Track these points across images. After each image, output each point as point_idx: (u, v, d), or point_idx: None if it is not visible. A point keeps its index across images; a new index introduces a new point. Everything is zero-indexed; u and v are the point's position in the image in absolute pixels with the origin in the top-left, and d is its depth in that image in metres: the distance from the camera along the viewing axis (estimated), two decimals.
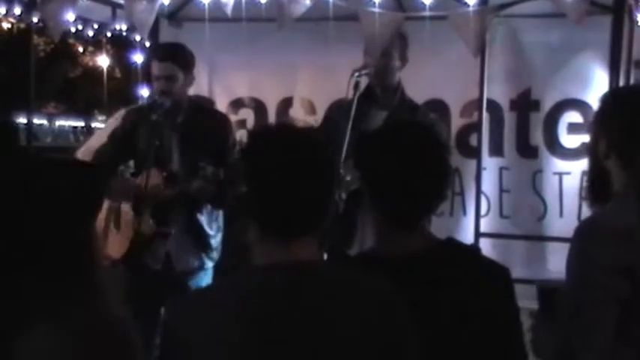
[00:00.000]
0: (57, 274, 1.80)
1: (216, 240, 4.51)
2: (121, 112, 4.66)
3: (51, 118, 31.66)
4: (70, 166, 2.00)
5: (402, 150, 2.11)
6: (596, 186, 2.32)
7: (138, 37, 5.14)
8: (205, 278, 4.47)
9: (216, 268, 4.63)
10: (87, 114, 29.51)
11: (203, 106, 4.59)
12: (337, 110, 4.47)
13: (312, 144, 1.88)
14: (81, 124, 31.60)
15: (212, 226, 4.48)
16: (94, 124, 27.85)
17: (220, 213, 4.50)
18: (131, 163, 4.43)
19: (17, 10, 5.27)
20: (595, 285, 2.10)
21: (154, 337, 4.31)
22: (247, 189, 1.84)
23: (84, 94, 28.00)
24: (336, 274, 1.88)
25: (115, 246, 4.30)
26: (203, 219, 4.41)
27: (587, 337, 2.12)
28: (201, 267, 4.45)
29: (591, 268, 2.11)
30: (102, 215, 4.16)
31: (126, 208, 4.34)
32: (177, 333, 1.77)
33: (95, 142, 4.67)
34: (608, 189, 2.26)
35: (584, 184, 2.40)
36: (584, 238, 2.19)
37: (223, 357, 1.71)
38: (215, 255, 4.50)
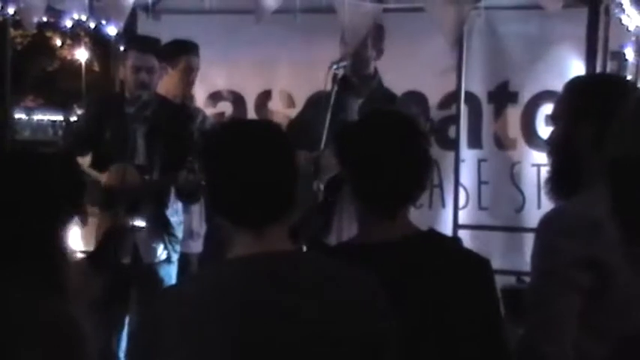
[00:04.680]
0: (24, 268, 1.80)
1: (179, 232, 4.53)
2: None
3: (29, 111, 31.47)
4: (52, 160, 1.99)
5: (382, 138, 2.12)
6: (563, 178, 2.31)
7: (114, 31, 5.11)
8: (172, 270, 4.50)
9: (200, 261, 4.65)
10: (66, 108, 29.35)
11: (167, 99, 4.59)
12: (316, 102, 4.47)
13: (270, 132, 1.89)
14: (60, 117, 31.43)
15: (174, 218, 4.50)
16: (72, 118, 27.74)
17: (180, 206, 4.54)
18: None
19: None
20: (558, 277, 2.09)
21: (122, 331, 4.35)
22: (208, 183, 1.86)
23: (62, 87, 27.86)
24: (311, 263, 1.88)
25: (83, 241, 4.29)
26: (168, 212, 4.43)
27: (549, 329, 2.09)
28: (168, 259, 4.47)
29: (554, 260, 2.10)
30: None
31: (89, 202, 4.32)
32: (153, 329, 1.76)
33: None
34: (573, 181, 2.25)
35: (546, 175, 2.36)
36: (547, 230, 2.17)
37: (199, 351, 1.70)
38: (179, 247, 4.54)
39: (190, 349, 1.69)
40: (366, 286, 1.85)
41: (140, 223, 4.28)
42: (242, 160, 1.80)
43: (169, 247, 4.46)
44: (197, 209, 4.88)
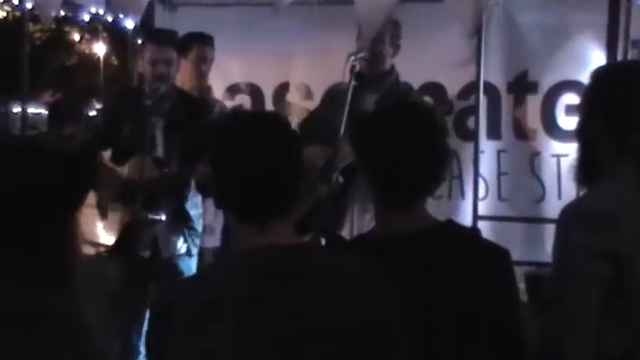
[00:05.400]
0: (31, 260, 1.79)
1: (199, 225, 4.52)
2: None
3: (48, 106, 31.64)
4: (59, 153, 1.97)
5: (399, 128, 2.10)
6: (586, 167, 2.29)
7: (132, 24, 5.12)
8: (192, 264, 4.50)
9: (216, 255, 4.65)
10: (84, 102, 29.48)
11: (185, 92, 4.59)
12: (333, 95, 4.46)
13: (274, 126, 1.88)
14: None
15: (194, 212, 4.50)
16: (91, 113, 27.86)
17: (200, 199, 4.53)
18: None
19: None
20: (577, 269, 2.08)
21: (142, 324, 4.37)
22: (213, 177, 1.85)
23: (81, 82, 27.98)
24: (315, 256, 1.87)
25: (104, 235, 4.30)
26: (188, 205, 4.42)
27: (570, 321, 2.09)
28: (188, 252, 4.47)
29: (573, 253, 2.09)
30: (88, 204, 4.16)
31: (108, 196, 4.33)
32: (165, 319, 1.76)
33: None
34: (597, 170, 2.23)
35: (573, 163, 2.34)
36: (566, 223, 2.16)
37: (205, 343, 1.69)
38: (198, 241, 4.53)
39: (196, 342, 1.69)
40: (371, 279, 1.84)
41: (159, 216, 4.29)
42: (245, 153, 1.79)
43: (189, 240, 4.46)
44: (211, 202, 4.86)
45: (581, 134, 2.32)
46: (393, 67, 4.47)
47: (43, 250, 1.82)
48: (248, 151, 1.79)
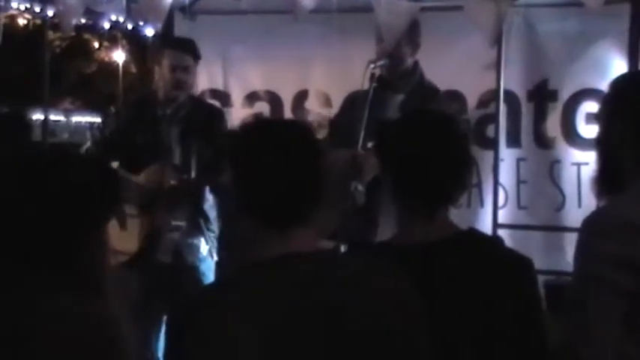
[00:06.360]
0: (65, 269, 1.80)
1: (216, 227, 4.54)
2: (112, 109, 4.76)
3: (67, 114, 31.77)
4: (92, 162, 2.00)
5: (423, 136, 2.10)
6: (606, 176, 2.27)
7: (152, 32, 5.14)
8: (213, 264, 4.53)
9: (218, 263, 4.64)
10: (103, 110, 29.62)
11: (200, 99, 4.61)
12: (353, 100, 4.45)
13: (296, 132, 1.87)
14: (97, 119, 31.70)
15: (211, 213, 4.51)
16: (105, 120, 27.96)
17: (214, 203, 4.53)
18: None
19: (30, 6, 5.28)
20: (599, 279, 2.04)
21: (161, 332, 4.38)
22: (236, 187, 1.84)
23: (100, 89, 28.09)
24: (337, 264, 1.85)
25: (124, 245, 4.30)
26: (207, 209, 4.44)
27: (589, 331, 2.05)
28: (210, 256, 4.50)
29: (596, 262, 2.06)
30: None
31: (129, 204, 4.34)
32: (188, 335, 1.74)
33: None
34: (618, 180, 2.20)
35: (592, 174, 2.32)
36: (590, 231, 2.13)
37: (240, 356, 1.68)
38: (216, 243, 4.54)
39: (231, 355, 1.67)
40: (395, 287, 1.83)
41: (180, 222, 4.30)
42: (266, 160, 1.78)
43: (210, 242, 4.48)
44: None
45: (600, 143, 2.30)
46: (416, 64, 4.44)
47: (78, 260, 1.83)
48: (270, 157, 1.78)
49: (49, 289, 1.79)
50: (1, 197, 1.81)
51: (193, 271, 4.39)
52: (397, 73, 4.37)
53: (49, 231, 1.79)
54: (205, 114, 4.48)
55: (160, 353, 4.41)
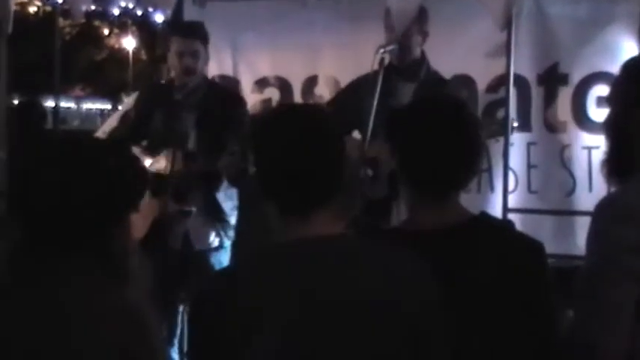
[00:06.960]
0: (97, 254, 1.84)
1: (233, 218, 4.52)
2: (133, 95, 4.70)
3: (78, 101, 31.85)
4: (123, 148, 2.03)
5: (434, 122, 2.11)
6: (616, 159, 2.26)
7: (162, 18, 5.15)
8: (224, 256, 4.50)
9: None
10: (113, 96, 29.69)
11: (216, 84, 4.60)
12: (358, 86, 4.45)
13: (316, 117, 1.89)
14: (108, 106, 31.80)
15: (228, 204, 4.48)
16: (120, 107, 28.05)
17: (234, 191, 4.50)
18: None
19: None
20: (614, 264, 2.03)
21: (175, 318, 4.39)
22: (256, 169, 1.86)
23: (110, 76, 28.15)
24: (357, 248, 1.86)
25: (135, 229, 4.30)
26: (220, 197, 4.42)
27: (605, 317, 2.04)
28: (220, 245, 4.47)
29: (610, 247, 2.05)
30: None
31: None
32: (209, 318, 1.76)
33: (107, 126, 4.69)
34: (629, 162, 2.19)
35: (601, 158, 2.30)
36: (604, 216, 2.12)
37: (260, 337, 1.70)
38: (232, 233, 4.52)
39: (250, 336, 1.69)
40: (414, 270, 1.84)
41: (189, 208, 4.30)
42: (287, 145, 1.80)
43: (221, 233, 4.46)
44: None
45: (611, 126, 2.28)
46: (423, 54, 4.46)
47: (111, 248, 1.87)
48: (289, 143, 1.80)
49: (82, 272, 1.83)
50: (43, 182, 1.84)
51: (202, 260, 4.38)
52: (406, 61, 4.37)
53: (87, 216, 1.83)
54: (222, 98, 4.47)
55: (175, 339, 4.45)
